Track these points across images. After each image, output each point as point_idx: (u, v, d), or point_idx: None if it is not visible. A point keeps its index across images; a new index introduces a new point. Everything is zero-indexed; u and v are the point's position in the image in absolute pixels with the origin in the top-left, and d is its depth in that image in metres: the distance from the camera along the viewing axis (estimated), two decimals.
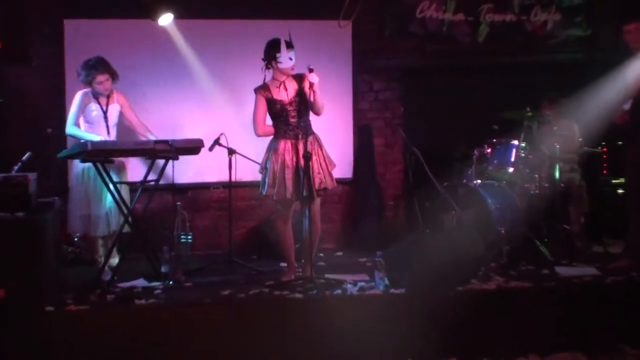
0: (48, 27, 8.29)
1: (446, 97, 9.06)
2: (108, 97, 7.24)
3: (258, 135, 6.92)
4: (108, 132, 7.20)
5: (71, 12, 8.28)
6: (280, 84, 6.80)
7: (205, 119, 8.45)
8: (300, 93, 6.77)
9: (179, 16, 7.74)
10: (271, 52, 6.75)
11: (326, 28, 8.25)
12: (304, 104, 6.78)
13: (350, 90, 8.98)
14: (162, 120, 8.22)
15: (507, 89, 8.91)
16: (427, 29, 9.05)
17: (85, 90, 7.18)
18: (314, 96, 6.67)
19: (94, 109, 7.16)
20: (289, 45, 6.72)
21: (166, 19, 7.66)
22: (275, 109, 6.80)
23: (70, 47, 8.25)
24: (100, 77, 7.10)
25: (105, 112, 7.20)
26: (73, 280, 6.78)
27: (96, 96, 7.17)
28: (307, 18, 8.59)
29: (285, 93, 6.79)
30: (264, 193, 6.81)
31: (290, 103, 6.77)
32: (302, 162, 6.64)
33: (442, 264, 6.29)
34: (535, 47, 9.24)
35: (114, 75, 7.21)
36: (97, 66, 7.11)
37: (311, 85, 6.62)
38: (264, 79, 6.84)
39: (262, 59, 6.82)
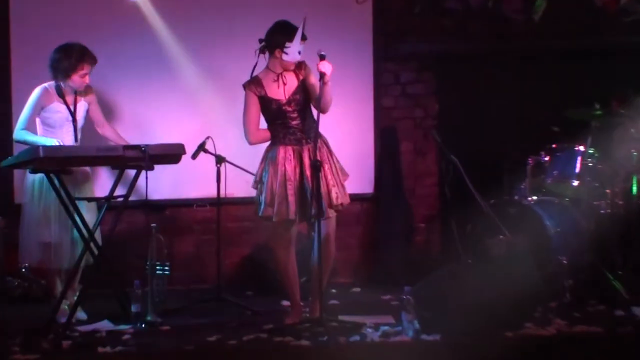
0: None
1: (493, 90, 9.08)
2: (76, 94, 7.25)
3: (251, 143, 6.96)
4: (75, 139, 7.21)
5: None
6: (278, 77, 6.83)
7: (187, 119, 8.55)
8: (303, 87, 6.80)
9: None
10: (279, 38, 6.76)
11: (340, 3, 8.30)
12: (308, 101, 6.85)
13: (370, 82, 9.04)
14: (132, 120, 8.33)
15: (570, 80, 8.96)
16: (469, 3, 9.08)
17: (45, 85, 7.17)
18: (323, 90, 6.66)
19: (59, 109, 7.15)
20: (304, 38, 6.76)
21: None
22: (271, 110, 6.84)
23: (18, 26, 8.33)
24: (87, 68, 7.12)
25: (73, 114, 7.20)
26: (20, 321, 6.81)
27: (61, 93, 7.16)
28: None
29: (283, 89, 6.81)
30: (260, 214, 6.84)
31: (289, 102, 6.79)
32: (308, 172, 6.69)
33: (487, 303, 6.31)
34: (607, 27, 9.20)
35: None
36: (85, 53, 7.12)
37: (322, 76, 6.61)
38: (254, 68, 6.87)
39: (261, 40, 6.85)
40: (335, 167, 6.87)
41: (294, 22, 6.75)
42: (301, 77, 6.79)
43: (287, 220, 6.73)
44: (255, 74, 6.87)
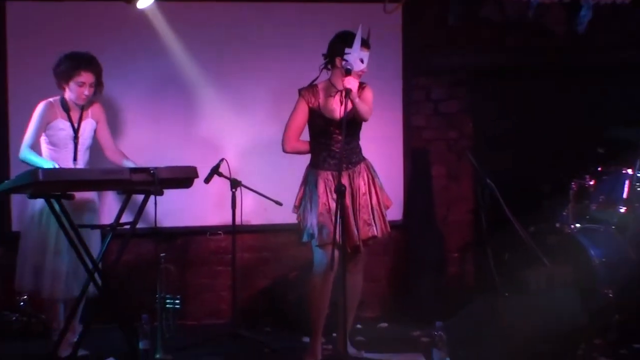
0: None
1: (533, 109, 9.15)
2: (82, 110, 7.31)
3: (285, 152, 7.10)
4: (75, 159, 7.25)
5: None
6: (337, 93, 6.93)
7: (200, 139, 8.62)
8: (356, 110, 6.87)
9: None
10: (338, 46, 6.89)
11: (367, 14, 8.25)
12: (358, 125, 6.97)
13: (399, 99, 9.09)
14: (140, 140, 8.40)
15: (617, 98, 9.02)
16: (507, 14, 9.10)
17: (50, 100, 7.23)
18: (354, 105, 6.72)
19: (63, 126, 7.21)
20: (365, 44, 6.85)
21: (146, 2, 7.78)
22: (319, 126, 6.98)
23: (15, 39, 8.38)
24: (85, 76, 7.15)
25: (76, 131, 7.25)
26: (19, 358, 6.88)
27: (66, 108, 7.23)
28: (340, 0, 8.74)
29: (339, 107, 6.87)
30: (304, 239, 6.98)
31: (340, 123, 6.80)
32: (347, 201, 6.82)
33: (525, 340, 6.34)
34: None
35: (99, 85, 7.30)
36: (84, 60, 7.18)
37: (348, 92, 6.67)
38: (317, 78, 7.00)
39: (323, 55, 6.97)
40: (378, 196, 7.02)
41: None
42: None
43: (328, 245, 6.70)
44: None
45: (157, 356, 6.98)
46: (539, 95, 9.15)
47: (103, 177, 6.79)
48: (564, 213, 8.12)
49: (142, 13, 8.01)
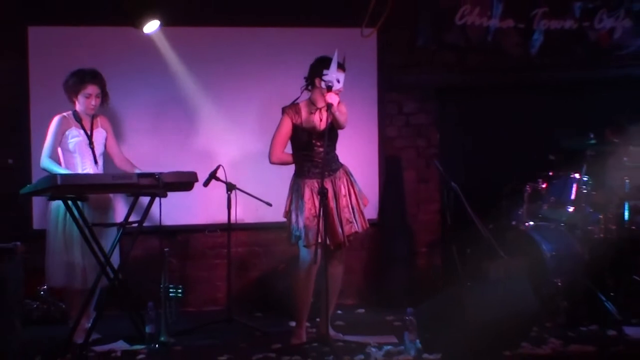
0: (8, 35, 8.39)
1: (492, 121, 9.19)
2: (92, 120, 7.33)
3: (271, 163, 7.12)
4: (95, 162, 7.26)
5: (37, 18, 8.41)
6: (317, 111, 6.98)
7: (197, 149, 8.63)
8: (333, 126, 6.93)
9: (167, 23, 7.87)
10: (317, 68, 6.93)
11: (346, 37, 8.25)
12: (335, 136, 7.02)
13: (375, 113, 9.11)
14: (147, 149, 8.41)
15: (565, 111, 9.05)
16: (469, 38, 9.17)
17: (63, 114, 7.25)
18: (334, 117, 6.79)
19: (76, 134, 7.22)
20: (341, 67, 6.90)
21: (152, 27, 7.76)
22: (301, 140, 7.01)
23: (36, 60, 8.41)
24: (91, 89, 7.19)
25: (90, 138, 7.26)
26: (39, 343, 6.86)
27: (78, 119, 7.26)
28: (322, 26, 8.76)
29: (319, 124, 6.95)
30: (292, 241, 7.00)
31: (320, 136, 6.91)
32: (332, 203, 6.87)
33: (486, 324, 6.35)
34: (600, 61, 9.34)
35: (104, 96, 7.33)
36: (89, 75, 7.22)
37: (330, 106, 6.75)
38: (298, 98, 7.03)
39: (304, 78, 7.00)
40: (356, 196, 7.05)
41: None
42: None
43: (312, 245, 6.77)
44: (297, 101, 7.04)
45: (162, 339, 6.96)
46: (498, 110, 9.18)
47: (114, 181, 6.82)
48: (520, 212, 8.19)
49: (148, 37, 7.99)
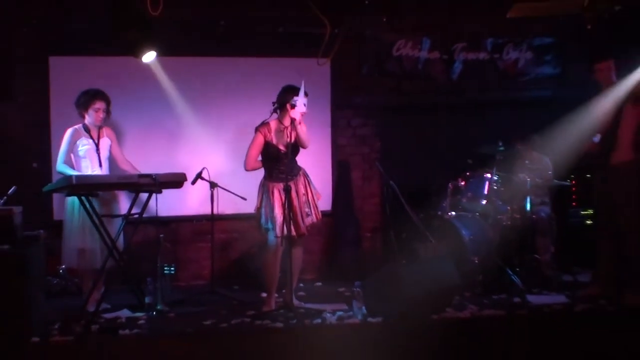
0: (33, 64, 8.31)
1: (422, 132, 9.15)
2: (99, 130, 7.28)
3: (246, 170, 7.07)
4: (100, 165, 7.21)
5: (56, 49, 8.33)
6: (284, 129, 6.91)
7: (188, 154, 8.52)
8: (296, 141, 6.91)
9: (162, 54, 7.78)
10: (287, 96, 6.86)
11: (305, 65, 8.22)
12: (297, 150, 6.98)
13: (329, 125, 9.07)
14: (146, 155, 8.26)
15: (480, 124, 9.04)
16: (404, 67, 9.16)
17: (74, 127, 7.20)
18: (297, 131, 6.78)
19: (86, 143, 7.17)
20: (306, 94, 6.86)
21: (149, 57, 7.70)
22: (271, 153, 6.97)
23: (55, 84, 8.31)
24: (99, 104, 7.15)
25: (97, 145, 7.22)
26: (58, 311, 6.77)
27: (87, 130, 7.20)
28: (288, 56, 8.69)
29: (285, 140, 6.90)
30: (263, 229, 6.96)
31: (286, 150, 6.88)
32: (295, 202, 6.85)
33: (417, 293, 6.36)
34: (507, 85, 9.39)
35: (109, 112, 7.28)
36: (98, 93, 7.19)
37: (293, 121, 6.74)
38: (268, 118, 6.96)
39: (273, 103, 6.91)
40: (312, 193, 7.06)
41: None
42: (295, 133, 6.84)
43: (279, 235, 6.78)
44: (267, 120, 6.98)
45: (158, 307, 6.93)
46: (427, 124, 9.13)
47: (118, 181, 6.84)
48: (444, 205, 8.18)
49: (146, 65, 7.90)
